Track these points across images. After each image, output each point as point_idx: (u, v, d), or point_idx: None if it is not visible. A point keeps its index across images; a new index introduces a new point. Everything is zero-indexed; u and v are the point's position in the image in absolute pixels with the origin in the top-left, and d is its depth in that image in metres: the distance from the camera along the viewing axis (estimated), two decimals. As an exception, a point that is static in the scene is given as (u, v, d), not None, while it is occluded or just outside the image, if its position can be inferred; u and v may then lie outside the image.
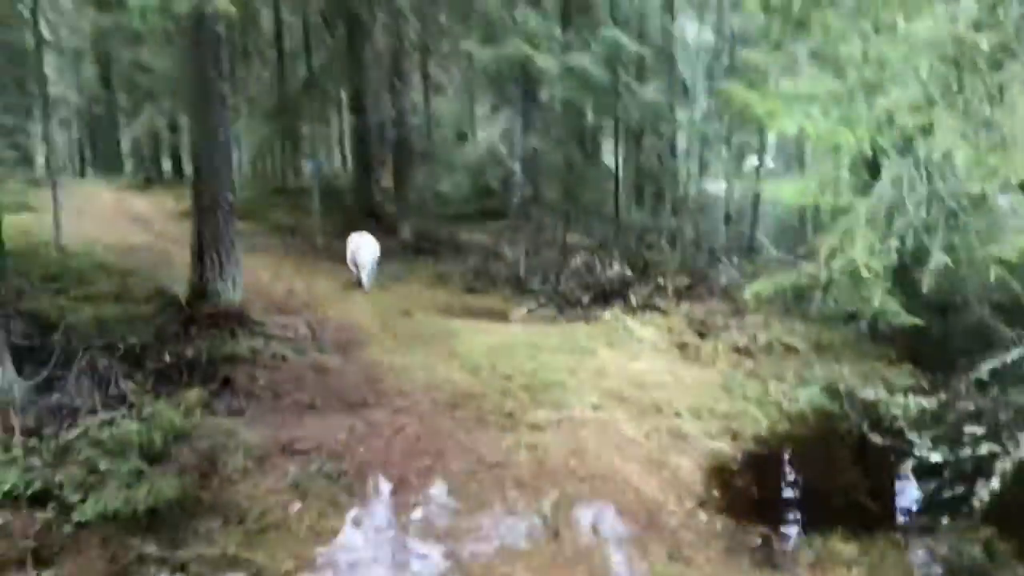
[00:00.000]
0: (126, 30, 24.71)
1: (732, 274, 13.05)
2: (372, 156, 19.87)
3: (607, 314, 10.88)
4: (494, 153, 14.35)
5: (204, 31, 9.59)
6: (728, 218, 26.08)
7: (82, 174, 35.32)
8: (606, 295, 12.19)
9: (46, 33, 35.84)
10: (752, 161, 29.67)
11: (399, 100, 17.66)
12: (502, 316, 11.79)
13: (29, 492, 4.51)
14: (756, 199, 23.94)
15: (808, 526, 6.13)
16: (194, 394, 5.64)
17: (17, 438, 4.93)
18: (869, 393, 8.17)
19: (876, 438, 7.04)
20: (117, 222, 18.81)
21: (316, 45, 21.09)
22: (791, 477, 7.41)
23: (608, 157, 24.93)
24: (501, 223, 17.68)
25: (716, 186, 29.32)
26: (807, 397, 8.41)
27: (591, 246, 16.67)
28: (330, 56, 20.88)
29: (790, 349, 9.69)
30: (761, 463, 7.09)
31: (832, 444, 7.36)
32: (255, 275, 13.63)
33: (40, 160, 36.88)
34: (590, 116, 22.81)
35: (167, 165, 31.03)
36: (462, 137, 23.71)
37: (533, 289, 13.59)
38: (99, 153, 36.27)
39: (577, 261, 14.14)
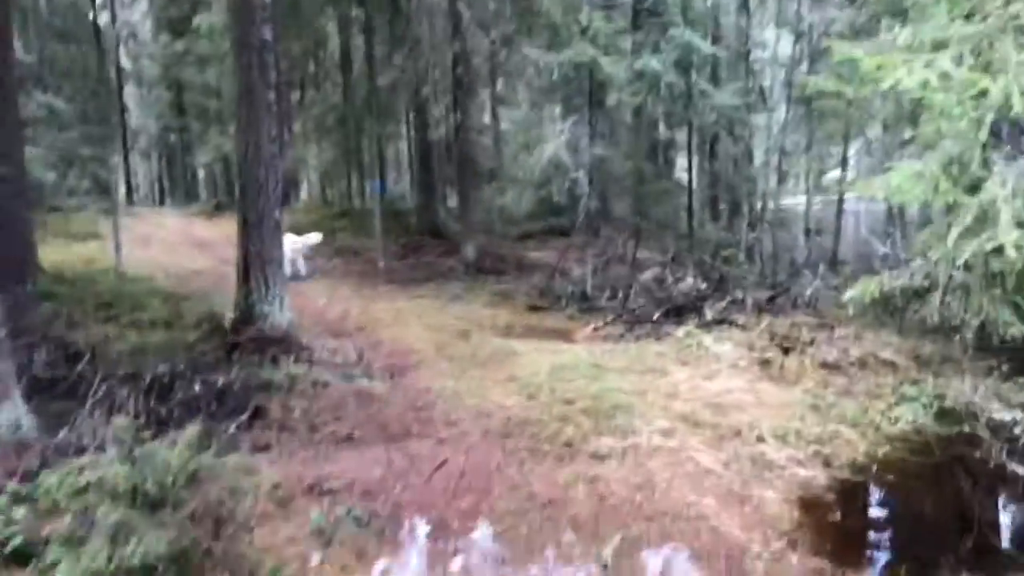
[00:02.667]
0: (195, 55, 25.19)
1: (817, 285, 11.98)
2: (435, 175, 19.44)
3: (680, 331, 10.00)
4: (558, 163, 13.63)
5: (249, 35, 9.19)
6: (808, 232, 24.84)
7: (161, 202, 36.17)
8: (679, 310, 11.30)
9: (126, 63, 36.85)
10: (833, 174, 28.38)
11: (463, 116, 17.14)
12: (566, 335, 11.03)
13: (10, 549, 3.95)
14: (840, 211, 22.67)
15: (921, 567, 5.14)
16: (197, 430, 4.94)
17: (11, 484, 4.39)
18: (999, 412, 7.01)
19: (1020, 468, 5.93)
20: (182, 248, 18.81)
21: (381, 67, 20.80)
22: (897, 509, 6.37)
23: (680, 172, 24.04)
24: (568, 240, 16.97)
25: (794, 200, 28.05)
26: (910, 416, 7.38)
27: (662, 261, 15.79)
28: (394, 75, 20.58)
29: (886, 364, 8.61)
30: (860, 493, 6.13)
31: (944, 469, 6.33)
32: (311, 299, 13.27)
33: (122, 189, 37.89)
34: (661, 129, 22.02)
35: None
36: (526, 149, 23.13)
37: (600, 306, 12.78)
38: (176, 181, 37.12)
39: (647, 276, 13.27)
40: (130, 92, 38.43)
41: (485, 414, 6.94)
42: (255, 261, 9.46)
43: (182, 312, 11.36)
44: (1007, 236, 3.66)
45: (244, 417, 6.45)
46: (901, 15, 10.15)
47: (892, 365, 8.57)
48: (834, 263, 19.81)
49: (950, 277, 4.25)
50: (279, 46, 25.82)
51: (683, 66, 13.29)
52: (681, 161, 25.09)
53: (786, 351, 8.87)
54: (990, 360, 9.26)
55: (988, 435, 6.72)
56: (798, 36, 22.34)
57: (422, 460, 5.92)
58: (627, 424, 6.57)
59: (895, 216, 20.82)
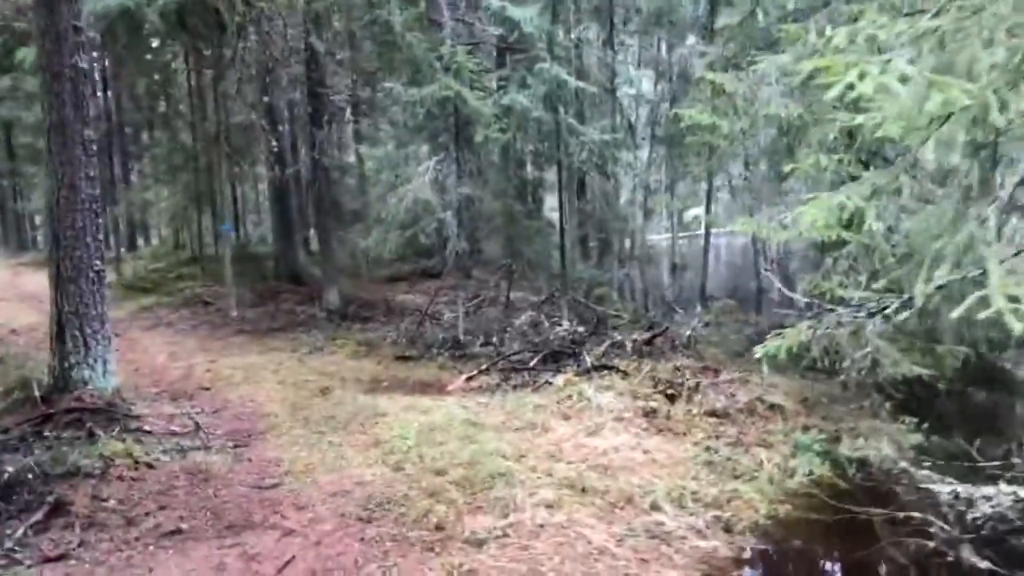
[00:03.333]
0: (24, 91, 23.03)
1: (695, 324, 11.64)
2: (292, 216, 18.26)
3: (559, 379, 9.31)
4: (424, 203, 12.80)
5: (59, 63, 7.99)
6: (674, 268, 25.13)
7: (-11, 252, 33.02)
8: (556, 356, 10.65)
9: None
10: (693, 211, 29.09)
11: (320, 154, 16.13)
12: (438, 387, 10.15)
13: None
14: (707, 247, 23.02)
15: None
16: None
17: None
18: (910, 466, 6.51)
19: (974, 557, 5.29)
20: (4, 302, 16.80)
21: (232, 104, 19.54)
22: (803, 578, 5.83)
23: (548, 211, 23.76)
24: (438, 282, 16.16)
25: (657, 236, 28.47)
26: (806, 468, 6.96)
27: (536, 303, 15.20)
28: (246, 110, 19.34)
29: (774, 409, 8.21)
30: (768, 564, 5.54)
31: (844, 528, 5.84)
32: (150, 355, 11.89)
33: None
34: (529, 167, 21.70)
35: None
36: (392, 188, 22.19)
37: (474, 353, 11.97)
38: (8, 229, 33.96)
39: (522, 319, 12.59)
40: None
41: (342, 492, 5.95)
42: (70, 319, 8.12)
43: (-14, 379, 9.81)
44: (1000, 295, 2.94)
45: (38, 515, 5.21)
46: (769, 47, 10.02)
47: (780, 409, 8.17)
48: (703, 299, 19.97)
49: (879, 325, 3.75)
50: (121, 83, 23.98)
51: (551, 102, 12.81)
52: (550, 200, 24.87)
53: (671, 399, 8.33)
54: (872, 398, 9.08)
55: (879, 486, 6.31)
56: (659, 75, 22.66)
57: (263, 558, 4.88)
58: (507, 497, 5.73)
59: (759, 251, 21.24)
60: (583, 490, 5.98)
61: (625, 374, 9.14)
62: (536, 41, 13.39)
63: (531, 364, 10.33)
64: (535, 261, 16.95)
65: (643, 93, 22.78)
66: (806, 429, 7.83)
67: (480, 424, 7.79)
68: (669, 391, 8.46)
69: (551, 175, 21.00)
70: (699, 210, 30.44)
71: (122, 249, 22.84)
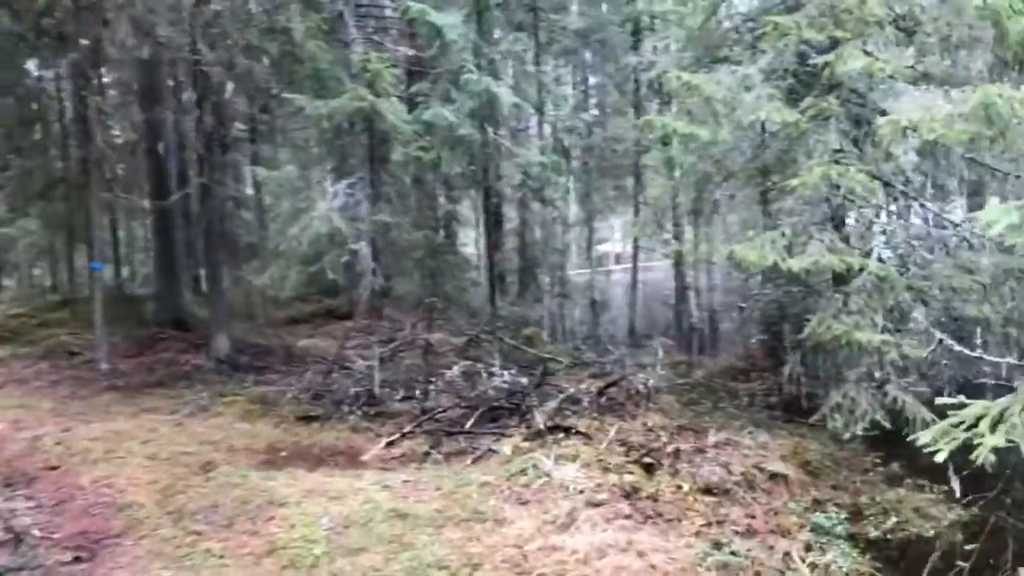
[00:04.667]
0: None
1: (652, 371, 10.06)
2: (177, 251, 15.97)
3: (504, 445, 7.57)
4: (333, 233, 10.94)
5: None
6: (594, 304, 23.83)
7: None
8: (495, 413, 8.93)
9: None
10: (604, 247, 28.08)
11: (211, 179, 14.08)
12: (351, 457, 8.26)
13: None
14: (634, 281, 21.83)
15: None
16: None
17: None
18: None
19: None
20: None
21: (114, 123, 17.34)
22: None
23: (461, 243, 22.07)
24: (347, 325, 14.22)
25: (571, 272, 27.30)
26: (839, 560, 5.45)
27: (460, 346, 13.45)
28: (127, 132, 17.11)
29: (777, 479, 6.68)
30: None
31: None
32: (-8, 420, 9.61)
33: None
34: (444, 195, 20.08)
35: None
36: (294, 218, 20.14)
37: (393, 411, 10.10)
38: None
39: (454, 371, 10.79)
40: None
41: (218, 650, 4.04)
42: None
43: None
44: None
45: None
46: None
47: (784, 480, 6.63)
48: (633, 337, 18.84)
49: None
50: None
51: (479, 119, 11.18)
52: (463, 232, 23.26)
53: (650, 470, 6.67)
54: (867, 455, 7.75)
55: None
56: (581, 99, 21.48)
57: None
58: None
59: (688, 287, 20.08)
60: (570, 626, 4.24)
61: (587, 437, 7.44)
62: (459, 52, 11.79)
63: (467, 425, 8.54)
64: (455, 299, 15.29)
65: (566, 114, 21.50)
66: (818, 504, 6.35)
67: (411, 515, 5.97)
68: (646, 459, 6.80)
69: (463, 208, 19.44)
70: (609, 245, 29.63)
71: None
